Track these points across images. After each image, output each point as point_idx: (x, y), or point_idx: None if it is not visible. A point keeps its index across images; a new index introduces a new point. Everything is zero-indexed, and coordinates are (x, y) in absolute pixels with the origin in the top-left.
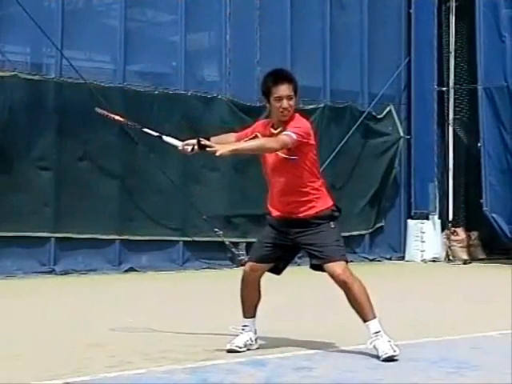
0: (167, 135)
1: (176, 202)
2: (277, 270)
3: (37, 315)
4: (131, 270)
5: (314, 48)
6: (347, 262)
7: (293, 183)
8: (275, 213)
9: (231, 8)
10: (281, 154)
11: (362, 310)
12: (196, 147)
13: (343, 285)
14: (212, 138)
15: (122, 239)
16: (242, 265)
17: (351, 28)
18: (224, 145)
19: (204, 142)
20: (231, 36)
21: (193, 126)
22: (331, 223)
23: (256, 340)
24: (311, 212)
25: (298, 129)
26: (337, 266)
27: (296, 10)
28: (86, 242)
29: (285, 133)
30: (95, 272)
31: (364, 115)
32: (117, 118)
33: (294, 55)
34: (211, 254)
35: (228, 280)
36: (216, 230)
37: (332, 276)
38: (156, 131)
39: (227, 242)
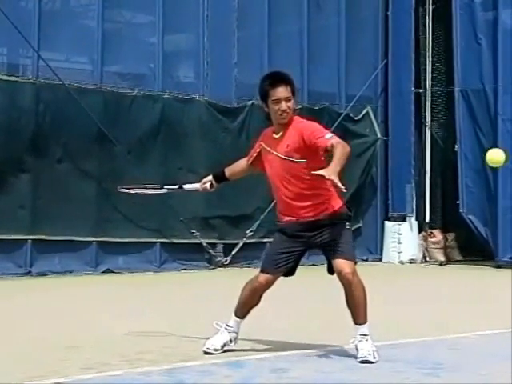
0: (188, 182)
1: (153, 204)
2: (288, 273)
3: (13, 317)
4: (108, 271)
5: (292, 50)
6: (356, 263)
7: (305, 187)
8: (288, 218)
9: (209, 10)
10: (289, 159)
11: (358, 312)
12: (214, 182)
13: (348, 284)
14: (226, 169)
15: (98, 241)
16: (220, 266)
17: (329, 30)
18: (328, 169)
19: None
20: (209, 37)
21: (171, 126)
22: (347, 224)
23: (236, 340)
24: (327, 212)
25: (323, 129)
26: (347, 264)
27: (273, 12)
28: (62, 244)
29: (328, 136)
30: (72, 273)
31: (341, 117)
32: (139, 191)
33: (272, 57)
34: (189, 255)
35: (205, 281)
36: (193, 231)
37: (340, 272)
38: (175, 184)
39: (205, 244)
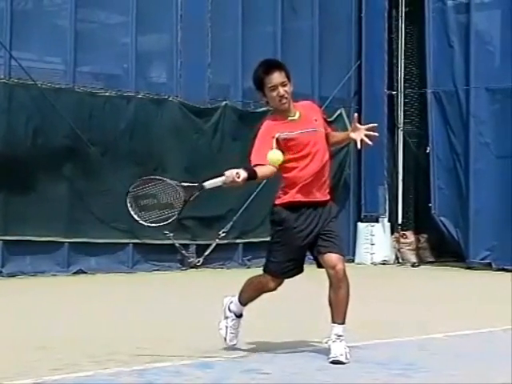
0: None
1: (126, 205)
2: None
3: None
4: (80, 272)
5: (265, 51)
6: None
7: (326, 160)
8: (302, 199)
9: (183, 10)
10: (321, 130)
11: (339, 310)
12: (243, 174)
13: (338, 280)
14: (257, 170)
15: (70, 242)
16: (192, 267)
17: (302, 31)
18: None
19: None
20: (182, 38)
21: (144, 127)
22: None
23: None
24: (328, 198)
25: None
26: (340, 260)
27: (247, 13)
28: (34, 245)
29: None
30: (43, 274)
31: None
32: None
33: (245, 58)
34: (161, 256)
35: (178, 282)
36: (166, 232)
37: (333, 267)
38: (195, 182)
39: (177, 245)
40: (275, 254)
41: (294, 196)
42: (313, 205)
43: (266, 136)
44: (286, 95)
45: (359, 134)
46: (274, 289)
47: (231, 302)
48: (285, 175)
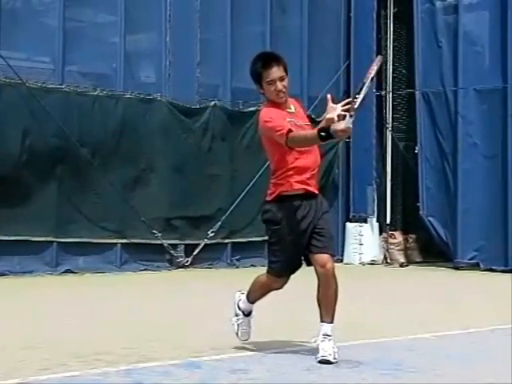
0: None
1: (115, 205)
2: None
3: None
4: (68, 271)
5: (254, 51)
6: None
7: (319, 154)
8: (300, 188)
9: (171, 9)
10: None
11: (328, 309)
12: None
13: (327, 279)
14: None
15: (59, 241)
16: (181, 267)
17: (291, 31)
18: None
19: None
20: (171, 37)
21: (132, 127)
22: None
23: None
24: (318, 193)
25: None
26: (329, 259)
27: (236, 13)
28: (22, 244)
29: None
30: (32, 274)
31: None
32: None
33: (235, 58)
34: (149, 256)
35: (166, 282)
36: (155, 232)
37: (323, 266)
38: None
39: (166, 244)
40: (276, 253)
41: (291, 185)
42: (307, 196)
43: (279, 115)
44: (284, 90)
45: (334, 112)
46: (280, 287)
47: (240, 300)
48: (289, 165)
